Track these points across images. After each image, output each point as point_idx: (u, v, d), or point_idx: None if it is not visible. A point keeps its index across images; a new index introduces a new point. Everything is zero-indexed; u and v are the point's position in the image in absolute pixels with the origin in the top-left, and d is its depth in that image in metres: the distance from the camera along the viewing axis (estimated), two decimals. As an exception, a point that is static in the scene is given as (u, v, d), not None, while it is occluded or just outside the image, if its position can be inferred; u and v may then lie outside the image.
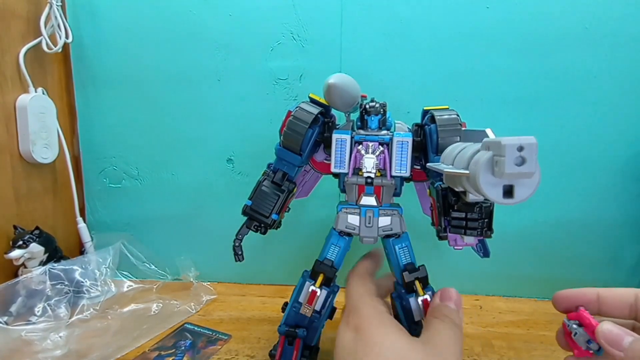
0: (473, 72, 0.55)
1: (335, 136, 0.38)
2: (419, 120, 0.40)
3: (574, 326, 0.29)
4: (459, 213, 0.31)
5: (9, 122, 0.53)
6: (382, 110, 0.38)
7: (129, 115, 0.61)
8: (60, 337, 0.46)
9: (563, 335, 0.31)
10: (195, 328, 0.49)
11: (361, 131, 0.38)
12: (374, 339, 0.29)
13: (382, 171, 0.37)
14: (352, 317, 0.32)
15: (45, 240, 0.53)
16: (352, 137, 0.38)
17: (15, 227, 0.52)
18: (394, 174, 0.37)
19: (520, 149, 0.19)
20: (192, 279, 0.60)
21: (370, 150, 0.37)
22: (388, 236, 0.38)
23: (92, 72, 0.61)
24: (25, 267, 0.52)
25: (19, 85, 0.54)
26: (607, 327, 0.26)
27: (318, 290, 0.37)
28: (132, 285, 0.60)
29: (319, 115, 0.38)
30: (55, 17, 0.56)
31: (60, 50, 0.57)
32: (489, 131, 0.28)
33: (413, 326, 0.37)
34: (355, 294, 0.34)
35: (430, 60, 0.55)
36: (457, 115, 0.36)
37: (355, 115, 0.40)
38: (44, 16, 0.55)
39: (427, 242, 0.40)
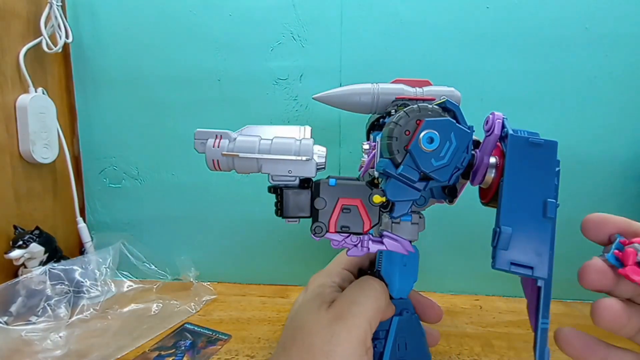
0: (473, 72, 0.55)
1: None
2: None
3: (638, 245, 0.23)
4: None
5: (9, 122, 0.53)
6: (393, 109, 0.35)
7: (129, 115, 0.61)
8: (60, 337, 0.46)
9: (597, 273, 0.24)
10: (195, 328, 0.49)
11: None
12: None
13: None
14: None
15: (45, 240, 0.53)
16: None
17: (15, 227, 0.52)
18: (367, 173, 0.35)
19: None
20: (192, 279, 0.60)
21: (366, 150, 0.35)
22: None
23: (92, 72, 0.61)
24: (25, 267, 0.52)
25: (19, 85, 0.54)
26: None
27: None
28: (132, 285, 0.59)
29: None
30: (55, 17, 0.56)
31: (60, 50, 0.57)
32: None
33: None
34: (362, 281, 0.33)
35: (430, 61, 0.55)
36: (395, 125, 0.28)
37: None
38: (44, 16, 0.55)
39: (428, 242, 0.39)
